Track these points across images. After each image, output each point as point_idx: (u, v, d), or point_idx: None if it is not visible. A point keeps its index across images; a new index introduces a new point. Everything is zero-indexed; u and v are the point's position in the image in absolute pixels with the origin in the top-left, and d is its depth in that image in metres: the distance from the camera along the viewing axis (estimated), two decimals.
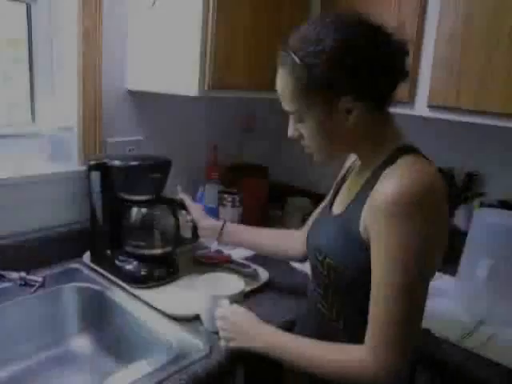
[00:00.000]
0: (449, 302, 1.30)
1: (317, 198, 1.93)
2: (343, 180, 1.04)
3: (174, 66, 1.32)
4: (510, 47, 1.13)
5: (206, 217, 1.34)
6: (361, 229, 0.83)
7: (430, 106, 1.28)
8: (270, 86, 1.44)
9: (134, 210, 1.29)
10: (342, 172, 1.08)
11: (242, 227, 1.35)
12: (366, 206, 0.83)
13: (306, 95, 0.84)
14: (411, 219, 0.76)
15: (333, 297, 0.93)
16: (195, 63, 1.24)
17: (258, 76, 1.39)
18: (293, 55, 0.83)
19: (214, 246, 1.47)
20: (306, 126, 0.88)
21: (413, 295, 0.78)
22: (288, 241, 1.25)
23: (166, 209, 1.32)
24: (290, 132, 0.93)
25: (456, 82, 1.22)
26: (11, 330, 1.18)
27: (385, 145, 0.87)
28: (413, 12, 1.29)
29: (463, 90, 1.22)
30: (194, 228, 1.33)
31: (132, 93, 1.52)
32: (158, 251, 1.31)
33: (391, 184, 0.78)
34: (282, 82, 0.87)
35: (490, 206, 1.48)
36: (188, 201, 1.35)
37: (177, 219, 1.34)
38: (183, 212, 1.34)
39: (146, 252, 1.30)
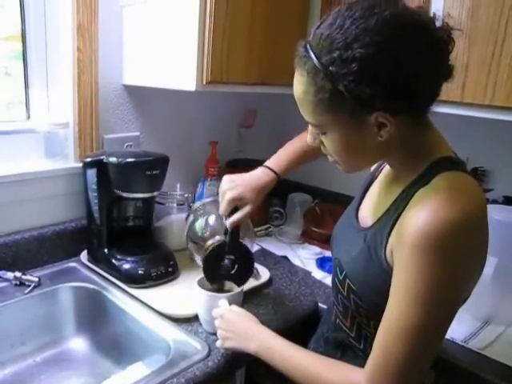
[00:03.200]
0: None
1: (318, 194, 1.93)
2: (372, 179, 0.95)
3: (171, 60, 1.29)
4: None
5: (255, 194, 1.07)
6: (387, 254, 0.76)
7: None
8: (270, 80, 1.44)
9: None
10: (373, 168, 0.98)
11: (287, 165, 1.13)
12: (393, 232, 0.75)
13: (328, 109, 0.72)
14: (441, 255, 0.66)
15: (352, 318, 0.88)
16: (193, 57, 1.21)
17: (258, 70, 1.37)
18: (315, 60, 0.69)
19: None
20: (328, 139, 0.77)
21: (427, 337, 0.70)
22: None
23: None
24: (310, 139, 0.83)
25: (461, 76, 1.19)
26: (6, 332, 1.15)
27: (420, 157, 0.76)
28: (417, 4, 1.25)
29: (468, 84, 1.19)
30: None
31: (129, 88, 1.49)
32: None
33: (422, 214, 0.67)
34: (301, 89, 0.74)
35: (496, 202, 1.46)
36: (235, 218, 1.05)
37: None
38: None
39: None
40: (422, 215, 0.68)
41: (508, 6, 1.10)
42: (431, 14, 0.72)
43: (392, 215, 0.77)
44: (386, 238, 0.77)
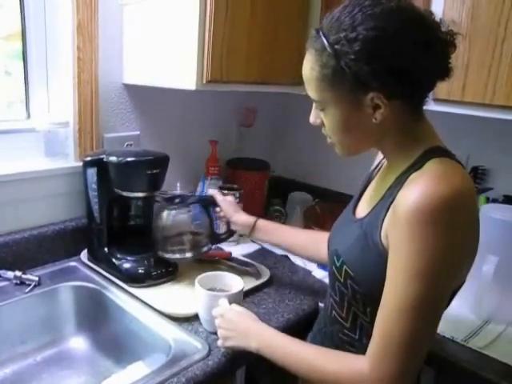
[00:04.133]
0: (454, 300, 1.27)
1: (319, 193, 1.93)
2: (370, 178, 0.98)
3: (172, 59, 1.29)
4: None
5: (238, 211, 1.30)
6: (382, 237, 0.78)
7: (436, 100, 1.25)
8: (270, 79, 1.44)
9: (165, 213, 1.27)
10: (372, 168, 1.01)
11: (274, 226, 1.31)
12: (388, 214, 0.78)
13: (330, 85, 0.78)
14: (435, 229, 0.69)
15: (348, 306, 0.89)
16: (193, 56, 1.21)
17: (258, 69, 1.37)
18: (323, 39, 0.76)
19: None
20: (328, 116, 0.83)
21: (426, 314, 0.72)
22: (319, 243, 1.14)
23: (198, 208, 1.30)
24: (312, 118, 0.88)
25: (461, 75, 1.19)
26: (6, 331, 1.15)
27: (413, 146, 0.81)
28: (417, 4, 1.25)
29: (469, 83, 1.19)
30: (228, 223, 1.31)
31: (129, 87, 1.49)
32: (190, 254, 1.28)
33: (415, 191, 0.71)
34: (308, 66, 0.81)
35: (496, 201, 1.46)
36: (218, 196, 1.32)
37: (210, 218, 1.32)
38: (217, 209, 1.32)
39: (179, 256, 1.27)
40: (414, 193, 0.71)
41: (508, 5, 1.10)
42: (438, 19, 0.77)
43: (387, 200, 0.80)
44: (381, 222, 0.79)
